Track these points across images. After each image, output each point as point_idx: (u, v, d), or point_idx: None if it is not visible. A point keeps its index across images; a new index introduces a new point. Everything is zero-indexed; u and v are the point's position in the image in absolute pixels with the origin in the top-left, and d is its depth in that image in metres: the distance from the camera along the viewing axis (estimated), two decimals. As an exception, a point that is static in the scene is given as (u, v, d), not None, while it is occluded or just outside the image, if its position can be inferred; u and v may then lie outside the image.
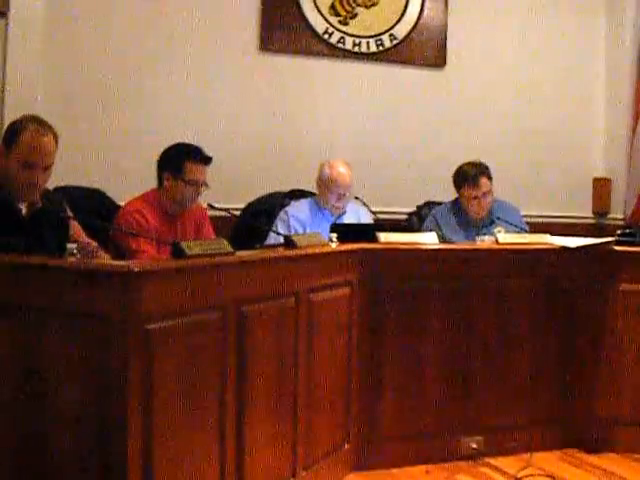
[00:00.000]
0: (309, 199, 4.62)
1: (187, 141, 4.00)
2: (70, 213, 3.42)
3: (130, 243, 3.74)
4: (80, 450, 2.44)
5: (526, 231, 4.52)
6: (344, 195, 4.48)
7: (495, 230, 4.28)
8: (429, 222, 4.72)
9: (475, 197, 4.57)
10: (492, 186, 4.61)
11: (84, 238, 3.38)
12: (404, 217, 5.13)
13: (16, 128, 3.16)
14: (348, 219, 4.56)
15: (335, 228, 3.80)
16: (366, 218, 4.66)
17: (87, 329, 2.42)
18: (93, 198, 4.19)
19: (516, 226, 4.49)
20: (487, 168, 4.63)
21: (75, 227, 3.42)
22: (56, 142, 3.21)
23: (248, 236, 4.19)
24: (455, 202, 4.74)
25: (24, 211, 3.21)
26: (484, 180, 4.57)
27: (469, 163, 4.64)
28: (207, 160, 3.94)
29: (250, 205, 4.78)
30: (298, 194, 4.80)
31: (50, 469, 2.49)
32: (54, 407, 2.47)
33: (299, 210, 4.51)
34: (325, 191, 4.49)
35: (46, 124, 3.19)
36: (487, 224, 4.61)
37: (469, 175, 4.57)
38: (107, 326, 2.39)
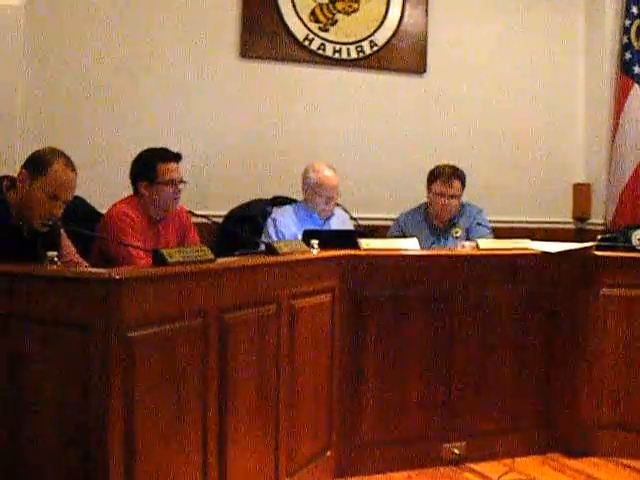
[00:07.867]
0: (293, 205, 4.61)
1: (169, 148, 4.00)
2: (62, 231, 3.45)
3: (121, 250, 3.70)
4: (61, 458, 2.43)
5: (489, 231, 4.71)
6: (332, 198, 4.50)
7: (453, 232, 4.50)
8: (394, 228, 4.79)
9: (443, 195, 4.64)
10: (462, 195, 4.71)
11: (73, 255, 3.45)
12: (389, 223, 5.13)
13: (45, 159, 3.20)
14: (335, 223, 4.57)
15: (316, 235, 3.78)
16: (349, 224, 4.66)
17: (68, 337, 2.41)
18: (74, 204, 4.15)
19: (482, 227, 4.68)
20: (464, 175, 4.71)
21: (65, 241, 3.45)
22: None
23: (231, 243, 4.17)
24: (420, 207, 4.82)
25: (25, 232, 3.23)
26: (457, 183, 4.66)
27: (448, 164, 4.73)
28: (176, 157, 3.98)
29: (232, 212, 4.78)
30: (281, 200, 4.80)
31: (32, 477, 2.47)
32: (35, 416, 2.46)
33: (285, 216, 4.50)
34: (313, 195, 4.50)
35: (71, 160, 3.24)
36: (448, 228, 4.71)
37: (444, 173, 4.66)
38: (88, 334, 2.38)
